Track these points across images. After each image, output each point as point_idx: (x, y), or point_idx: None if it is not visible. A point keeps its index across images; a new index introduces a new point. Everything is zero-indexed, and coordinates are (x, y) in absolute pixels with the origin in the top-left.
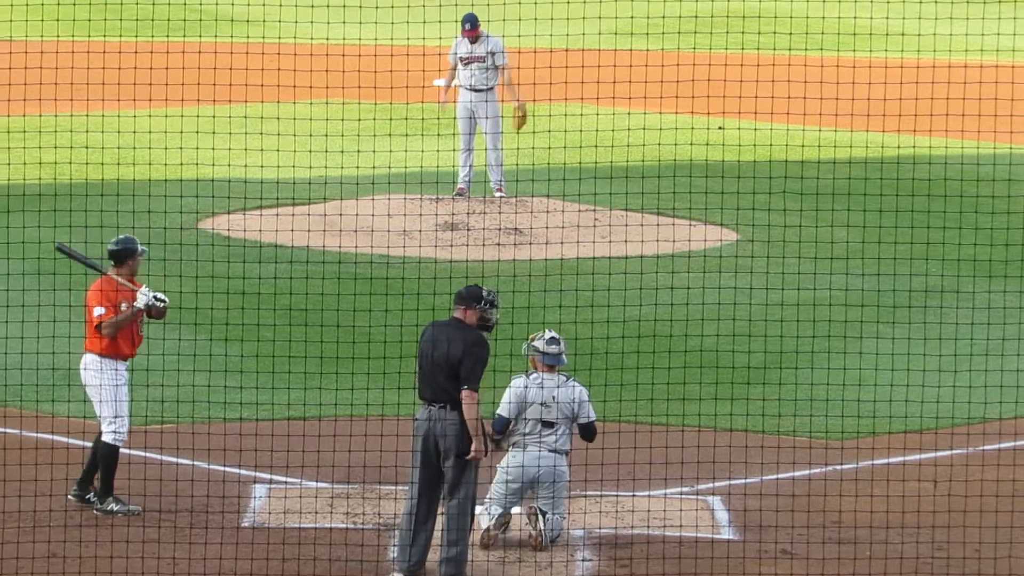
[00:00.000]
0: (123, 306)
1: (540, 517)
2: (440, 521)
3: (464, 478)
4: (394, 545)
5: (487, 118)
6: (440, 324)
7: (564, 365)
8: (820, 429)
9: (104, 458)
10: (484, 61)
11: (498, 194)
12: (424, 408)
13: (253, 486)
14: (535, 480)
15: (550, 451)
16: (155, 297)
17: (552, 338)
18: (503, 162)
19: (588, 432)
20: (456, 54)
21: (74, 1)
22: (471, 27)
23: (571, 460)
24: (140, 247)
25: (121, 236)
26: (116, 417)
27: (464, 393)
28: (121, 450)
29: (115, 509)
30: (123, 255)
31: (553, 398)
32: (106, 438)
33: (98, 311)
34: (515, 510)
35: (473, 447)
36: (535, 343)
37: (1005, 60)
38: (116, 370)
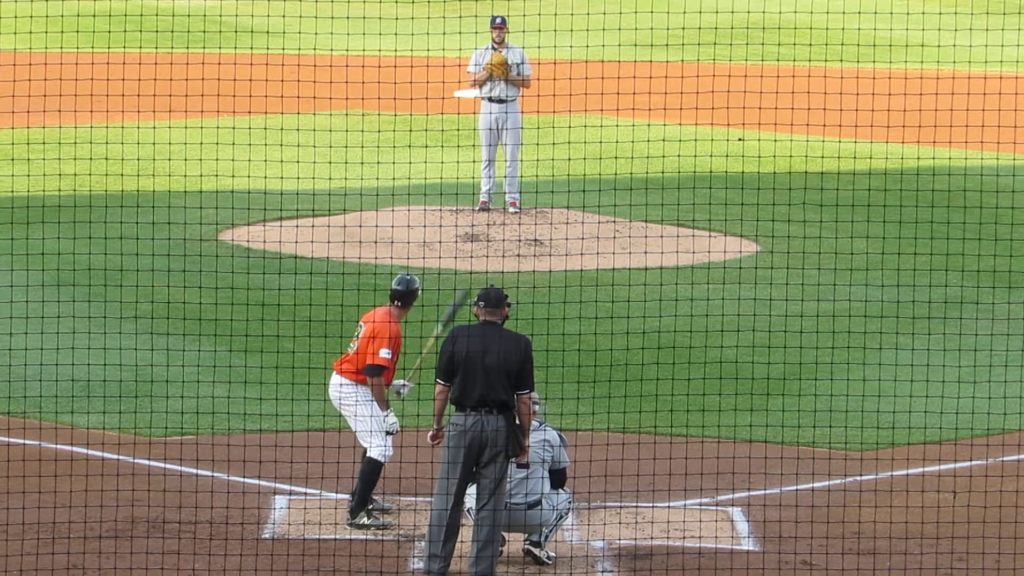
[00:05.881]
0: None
1: (535, 551)
2: (462, 521)
3: (503, 479)
4: (416, 556)
5: (509, 129)
6: (478, 329)
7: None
8: (840, 440)
9: (365, 473)
10: (509, 71)
11: (512, 209)
12: (467, 414)
13: (273, 497)
14: (520, 526)
15: (528, 508)
16: (390, 424)
17: None
18: (519, 174)
19: (557, 477)
20: (478, 65)
21: (94, 13)
22: (501, 21)
23: (573, 479)
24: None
25: (406, 276)
26: (375, 433)
27: (526, 396)
28: (138, 461)
29: (367, 523)
30: (411, 297)
31: None
32: (372, 454)
33: (385, 353)
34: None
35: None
36: None
37: (1023, 71)
38: (367, 389)
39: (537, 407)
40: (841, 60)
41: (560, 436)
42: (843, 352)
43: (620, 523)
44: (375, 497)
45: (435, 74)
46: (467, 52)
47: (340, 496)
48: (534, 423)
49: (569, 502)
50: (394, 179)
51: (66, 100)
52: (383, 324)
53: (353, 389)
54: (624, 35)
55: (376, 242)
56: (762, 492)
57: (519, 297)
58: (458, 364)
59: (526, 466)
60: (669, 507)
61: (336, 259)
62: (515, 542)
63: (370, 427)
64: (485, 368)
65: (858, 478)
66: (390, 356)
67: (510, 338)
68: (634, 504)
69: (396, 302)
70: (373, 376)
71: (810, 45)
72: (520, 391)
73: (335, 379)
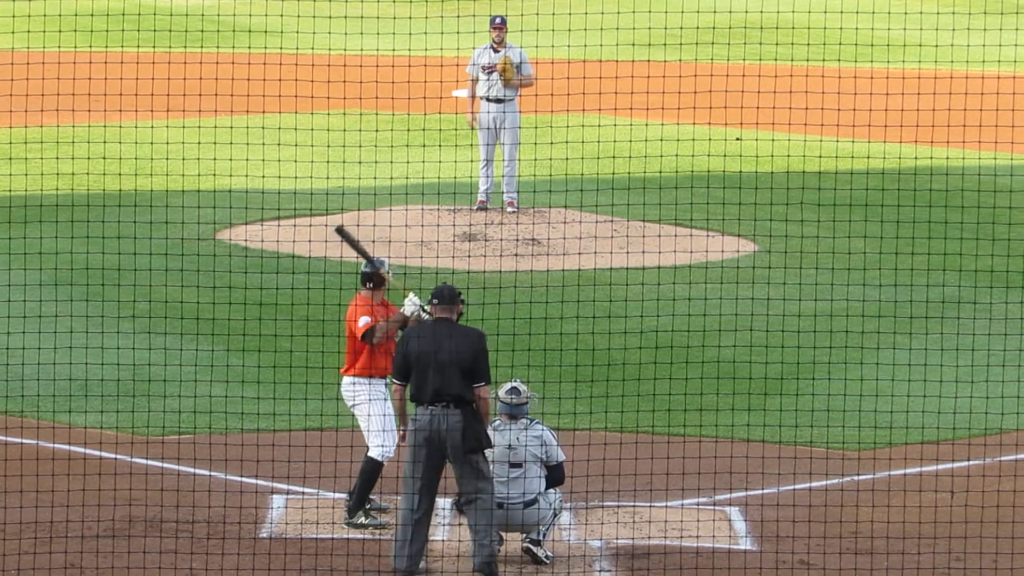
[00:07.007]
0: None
1: (534, 549)
2: (438, 516)
3: (483, 471)
4: (392, 556)
5: (507, 129)
6: (431, 327)
7: (524, 415)
8: (837, 440)
9: (365, 472)
10: (513, 75)
11: (510, 208)
12: (424, 410)
13: (271, 497)
14: (518, 526)
15: (525, 507)
16: (422, 308)
17: (512, 388)
18: (517, 174)
19: (555, 474)
20: (476, 65)
21: (91, 12)
22: (501, 21)
23: (571, 473)
24: (386, 264)
25: (376, 258)
26: (376, 432)
27: (483, 389)
28: (136, 460)
29: (365, 522)
30: (381, 278)
31: (518, 440)
32: (372, 454)
33: (364, 320)
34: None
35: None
36: (498, 392)
37: (1022, 71)
38: (372, 386)
39: (528, 402)
40: (839, 59)
41: (552, 434)
42: (840, 351)
43: (618, 523)
44: (373, 497)
45: (434, 74)
46: (466, 52)
47: (338, 495)
48: (525, 420)
49: (561, 500)
50: (392, 179)
51: (65, 100)
52: (352, 306)
53: (357, 387)
54: (623, 35)
55: (374, 241)
56: (760, 492)
57: (517, 297)
58: (412, 362)
59: (519, 465)
60: (667, 507)
61: (334, 259)
62: (513, 541)
63: (374, 426)
64: (438, 364)
65: (856, 478)
66: (368, 320)
67: (462, 332)
68: (632, 504)
69: (367, 284)
70: (369, 341)
71: (807, 44)
72: (476, 384)
73: (343, 381)
